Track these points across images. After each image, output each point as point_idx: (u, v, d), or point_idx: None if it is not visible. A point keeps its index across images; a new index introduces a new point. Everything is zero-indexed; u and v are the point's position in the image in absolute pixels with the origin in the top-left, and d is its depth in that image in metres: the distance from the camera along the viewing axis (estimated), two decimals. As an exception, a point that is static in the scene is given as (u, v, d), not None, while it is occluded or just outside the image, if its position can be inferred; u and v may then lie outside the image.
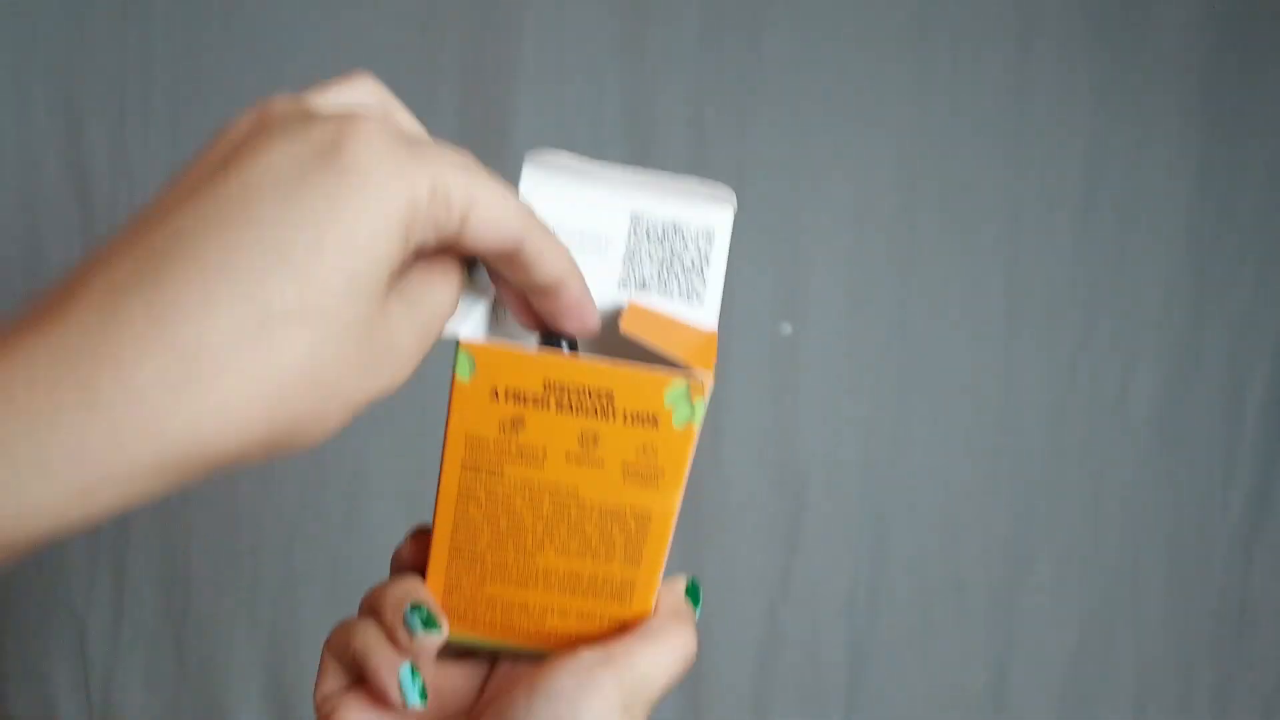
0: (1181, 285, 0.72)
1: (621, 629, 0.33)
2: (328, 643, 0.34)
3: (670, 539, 0.32)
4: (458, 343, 0.30)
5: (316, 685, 0.33)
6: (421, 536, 0.34)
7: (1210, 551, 0.75)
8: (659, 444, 0.30)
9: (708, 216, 0.34)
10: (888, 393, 0.74)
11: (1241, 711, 0.77)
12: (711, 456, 0.74)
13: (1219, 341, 0.73)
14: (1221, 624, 0.76)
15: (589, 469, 0.31)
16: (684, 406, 0.30)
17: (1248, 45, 0.70)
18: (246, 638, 0.79)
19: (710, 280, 0.34)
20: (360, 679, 0.33)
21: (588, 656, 0.32)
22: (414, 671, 0.31)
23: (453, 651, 0.35)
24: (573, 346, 0.31)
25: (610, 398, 0.30)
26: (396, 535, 0.35)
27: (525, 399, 0.30)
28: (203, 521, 0.78)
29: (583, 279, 0.30)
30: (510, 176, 0.29)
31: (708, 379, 0.30)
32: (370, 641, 0.32)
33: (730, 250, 0.35)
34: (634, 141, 0.72)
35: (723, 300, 0.35)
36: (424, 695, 0.31)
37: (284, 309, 0.23)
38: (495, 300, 0.31)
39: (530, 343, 0.31)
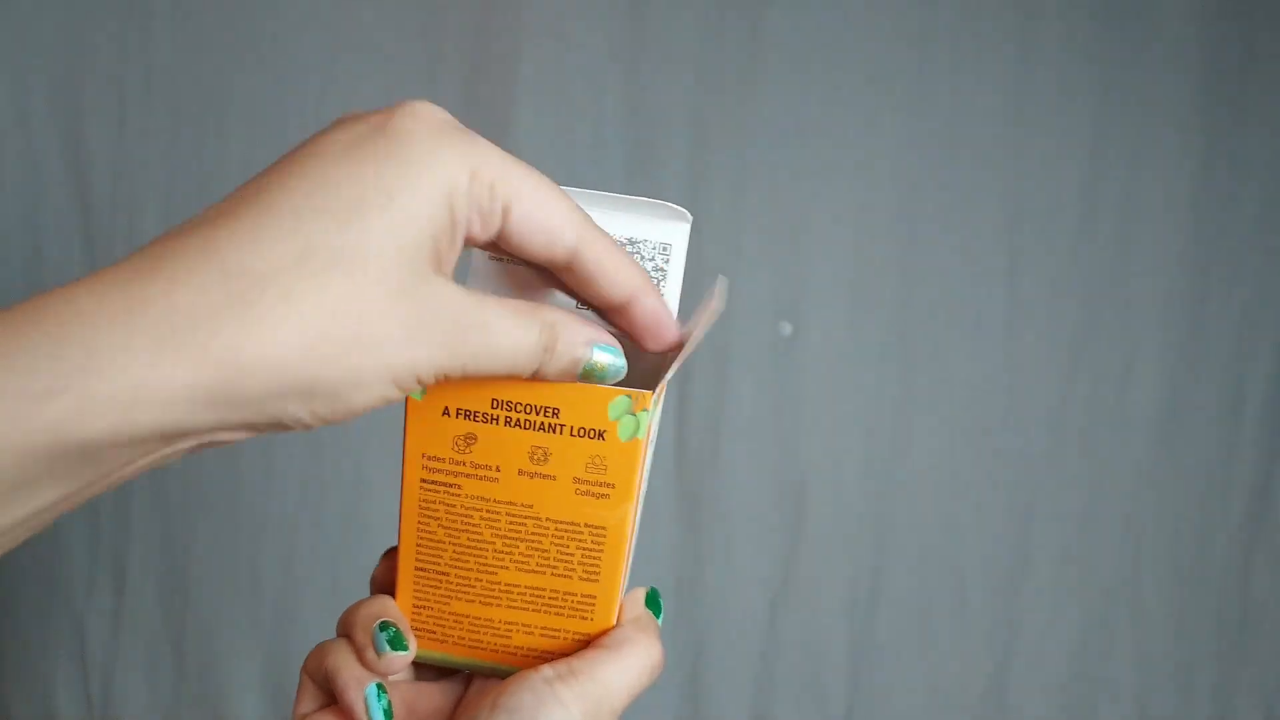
0: (1181, 285, 0.72)
1: (586, 645, 0.34)
2: (305, 663, 0.34)
3: (627, 552, 0.33)
4: None
5: (295, 705, 0.34)
6: (393, 555, 0.35)
7: (1210, 551, 0.75)
8: (607, 457, 0.31)
9: (665, 230, 0.34)
10: (888, 393, 0.74)
11: (1242, 711, 0.77)
12: (711, 456, 0.74)
13: (1219, 341, 0.73)
14: (1221, 624, 0.76)
15: (541, 484, 0.32)
16: (629, 420, 0.31)
17: (1248, 44, 0.70)
18: (246, 638, 0.79)
19: (668, 294, 0.35)
20: (333, 698, 0.33)
21: (548, 671, 0.32)
22: (380, 690, 0.32)
23: (430, 670, 0.35)
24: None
25: (556, 413, 0.31)
26: (396, 536, 0.35)
27: (475, 416, 0.31)
28: (203, 521, 0.78)
29: (656, 291, 0.30)
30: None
31: (650, 392, 0.31)
32: (340, 661, 0.32)
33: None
34: (634, 141, 0.72)
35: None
36: (389, 715, 0.32)
37: (326, 248, 0.24)
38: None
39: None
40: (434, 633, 0.34)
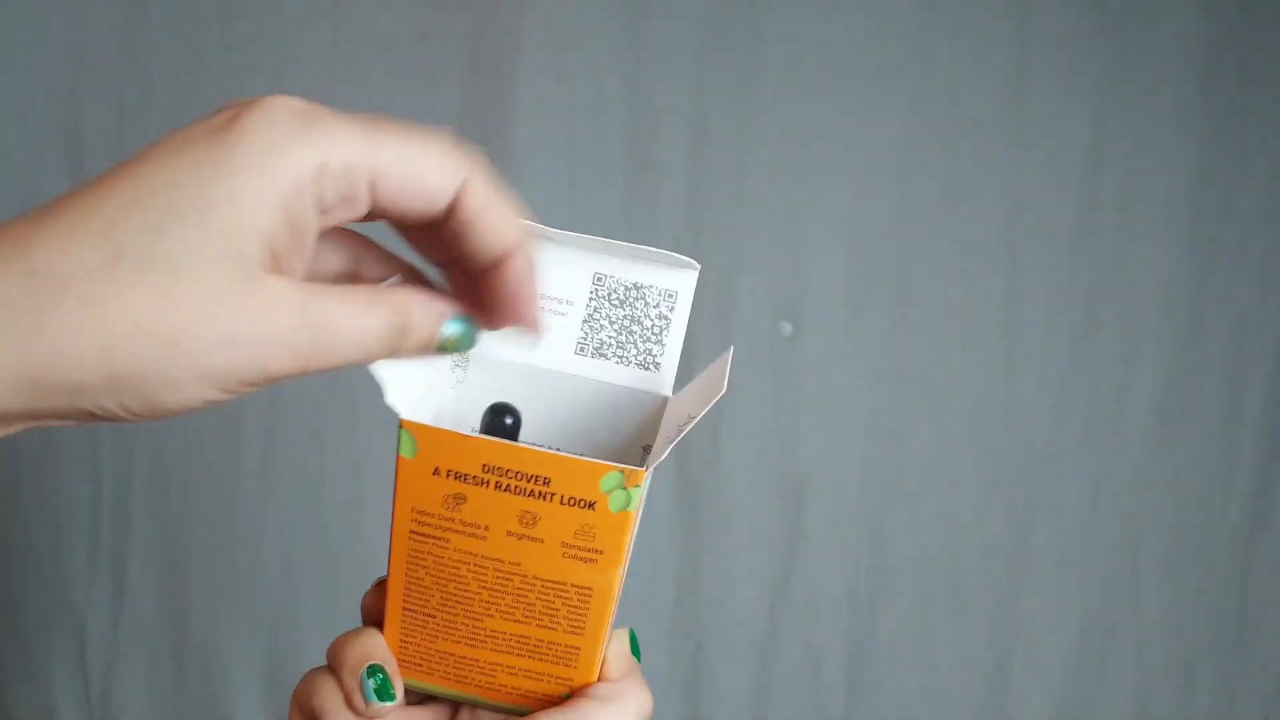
0: (1181, 284, 0.72)
1: (569, 687, 0.35)
2: (295, 693, 0.35)
3: (613, 609, 0.33)
4: (400, 422, 0.31)
5: None
6: (383, 585, 0.35)
7: (1210, 551, 0.75)
8: (596, 526, 0.31)
9: (672, 279, 0.34)
10: (888, 393, 0.74)
11: (1241, 711, 0.77)
12: (711, 456, 0.74)
13: (1219, 341, 0.73)
14: (1221, 624, 0.76)
15: (530, 545, 0.32)
16: (620, 494, 0.31)
17: (1248, 45, 0.70)
18: (246, 638, 0.79)
19: (669, 344, 0.35)
20: None
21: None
22: None
23: (416, 696, 0.36)
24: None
25: (547, 482, 0.31)
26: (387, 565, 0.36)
27: (466, 478, 0.31)
28: (203, 522, 0.78)
29: (530, 261, 0.29)
30: (510, 180, 0.29)
31: (644, 470, 0.31)
32: (328, 702, 0.33)
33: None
34: (634, 141, 0.72)
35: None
36: None
37: (135, 255, 0.23)
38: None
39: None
40: (420, 665, 0.35)
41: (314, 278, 0.27)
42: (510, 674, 0.34)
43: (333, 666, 0.34)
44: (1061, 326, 0.73)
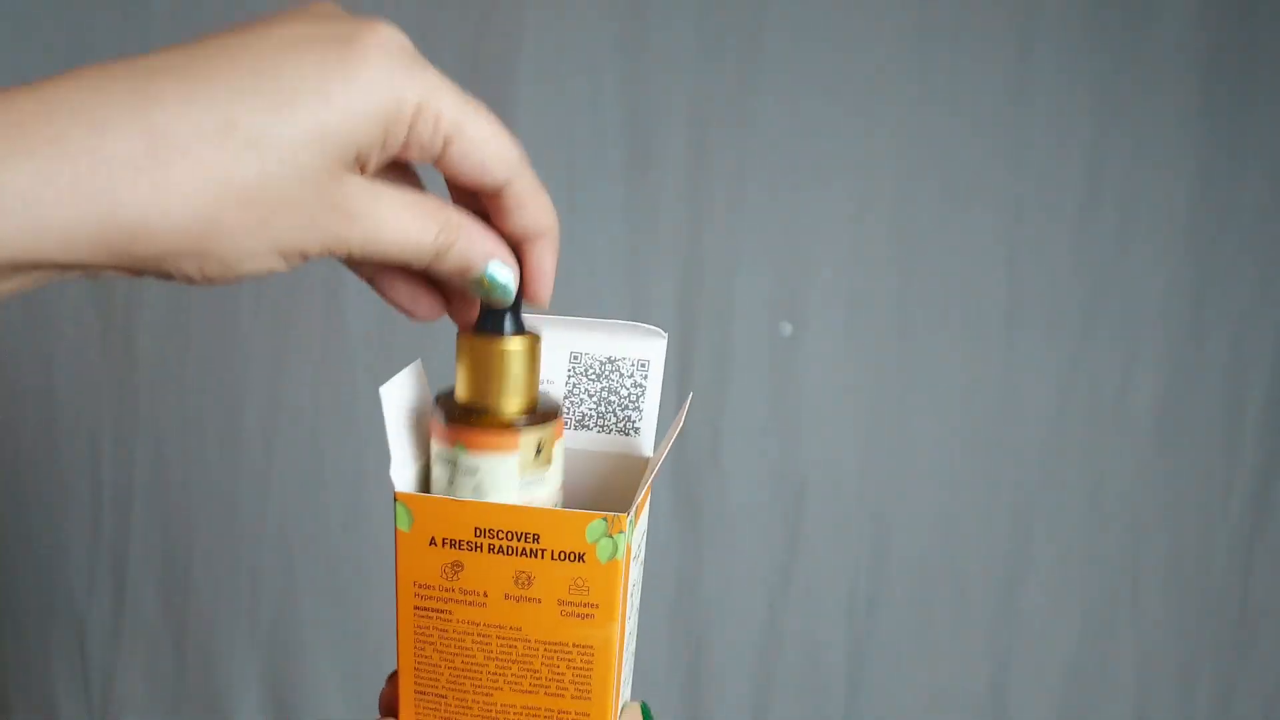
0: (1181, 285, 0.72)
1: None
2: None
3: (617, 669, 0.34)
4: (394, 495, 0.32)
5: None
6: (396, 678, 0.36)
7: (1210, 551, 0.75)
8: (589, 579, 0.32)
9: (644, 348, 0.36)
10: (888, 393, 0.74)
11: (1241, 711, 0.77)
12: (711, 456, 0.74)
13: (1219, 341, 0.73)
14: (1221, 624, 0.76)
15: (528, 606, 0.33)
16: (607, 542, 0.32)
17: (1248, 45, 0.70)
18: (246, 638, 0.79)
19: (646, 409, 0.36)
20: None
21: None
22: None
23: None
24: (517, 327, 0.32)
25: (537, 538, 0.32)
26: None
27: (460, 544, 0.32)
28: (203, 522, 0.78)
29: (556, 248, 0.32)
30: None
31: (626, 514, 0.32)
32: None
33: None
34: (634, 141, 0.72)
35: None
36: None
37: (247, 129, 0.25)
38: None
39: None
40: None
41: None
42: None
43: None
44: (1061, 326, 0.73)
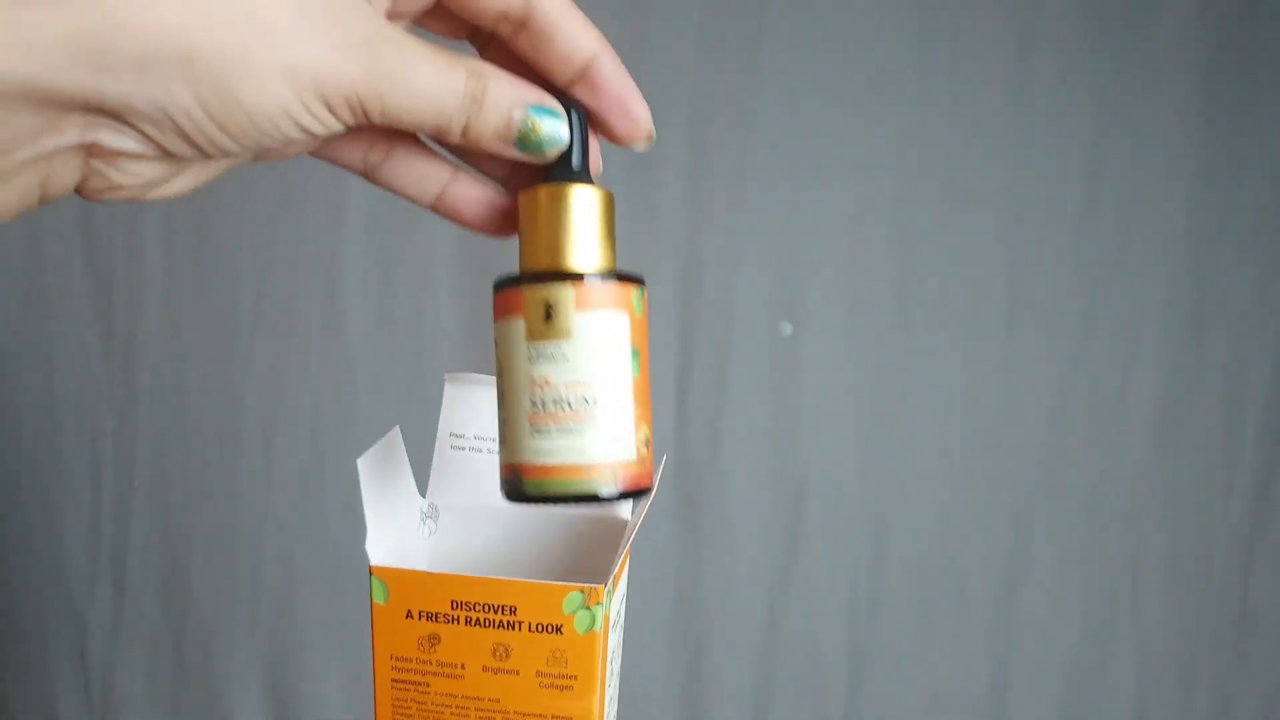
0: (1181, 285, 0.72)
1: None
2: None
3: None
4: (369, 569, 0.32)
5: None
6: None
7: (1210, 552, 0.75)
8: (567, 650, 0.32)
9: None
10: (888, 393, 0.74)
11: (1241, 711, 0.77)
12: (711, 456, 0.74)
13: (1219, 341, 0.73)
14: (1221, 624, 0.76)
15: (506, 678, 0.32)
16: (585, 614, 0.31)
17: (1248, 45, 0.70)
18: (246, 638, 0.79)
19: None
20: None
21: None
22: None
23: None
24: (584, 175, 0.29)
25: (514, 611, 0.31)
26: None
27: (437, 617, 0.32)
28: (203, 522, 0.78)
29: (615, 54, 0.27)
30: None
31: (604, 586, 0.31)
32: None
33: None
34: (634, 141, 0.71)
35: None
36: None
37: None
38: None
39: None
40: None
41: None
42: None
43: None
44: (1061, 327, 0.73)
